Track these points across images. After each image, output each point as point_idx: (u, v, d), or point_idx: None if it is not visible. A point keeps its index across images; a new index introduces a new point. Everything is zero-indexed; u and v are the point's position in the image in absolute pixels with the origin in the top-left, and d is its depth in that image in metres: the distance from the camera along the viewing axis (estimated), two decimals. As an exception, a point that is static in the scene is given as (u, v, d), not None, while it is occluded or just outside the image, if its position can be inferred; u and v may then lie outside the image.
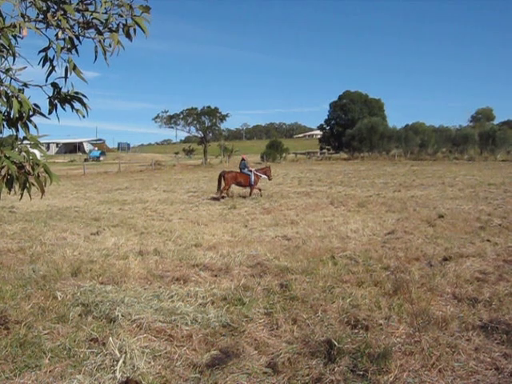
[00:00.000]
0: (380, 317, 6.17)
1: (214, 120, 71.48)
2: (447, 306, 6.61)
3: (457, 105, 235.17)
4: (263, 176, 23.25)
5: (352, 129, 75.80)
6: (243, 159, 23.68)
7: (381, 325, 5.90)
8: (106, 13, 3.70)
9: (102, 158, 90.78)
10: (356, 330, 5.78)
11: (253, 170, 22.92)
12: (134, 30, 3.78)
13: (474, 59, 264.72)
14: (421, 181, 29.39)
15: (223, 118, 71.76)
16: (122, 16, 3.73)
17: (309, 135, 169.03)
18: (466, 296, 6.96)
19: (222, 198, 21.50)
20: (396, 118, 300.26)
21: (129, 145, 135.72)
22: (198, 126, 71.30)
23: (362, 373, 4.69)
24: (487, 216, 14.54)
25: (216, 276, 8.33)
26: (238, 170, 22.94)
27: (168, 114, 70.60)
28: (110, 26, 3.74)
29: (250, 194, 22.26)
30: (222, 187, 21.66)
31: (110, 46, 3.77)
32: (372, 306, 6.56)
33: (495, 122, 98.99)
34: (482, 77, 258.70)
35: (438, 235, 11.59)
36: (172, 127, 72.86)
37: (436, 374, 4.66)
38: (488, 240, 10.89)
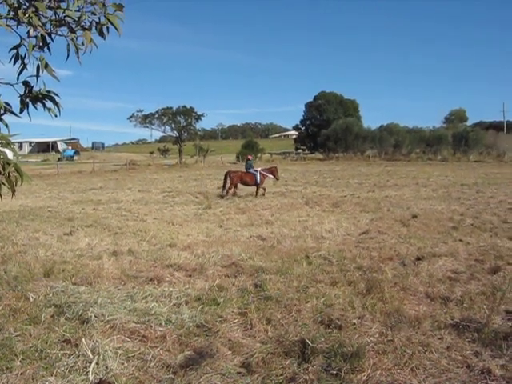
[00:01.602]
0: (353, 316, 6.21)
1: (190, 120, 71.30)
2: (420, 305, 6.69)
3: (430, 106, 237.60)
4: (270, 176, 23.24)
5: (327, 129, 76.19)
6: (248, 159, 23.91)
7: (354, 324, 5.93)
8: (78, 10, 3.65)
9: (75, 158, 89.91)
10: (330, 330, 5.81)
11: (259, 169, 22.91)
12: (107, 28, 3.74)
13: (448, 60, 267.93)
14: (395, 181, 29.68)
15: (198, 117, 71.69)
16: (94, 14, 3.68)
17: (284, 135, 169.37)
18: (438, 295, 7.04)
19: (227, 194, 21.71)
20: (371, 119, 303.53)
21: (103, 144, 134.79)
22: (173, 125, 71.06)
23: (335, 372, 4.71)
24: (460, 216, 14.74)
25: (190, 276, 8.30)
26: (244, 170, 23.09)
27: (143, 113, 70.27)
28: (82, 23, 3.70)
29: (257, 194, 22.10)
30: (227, 186, 21.80)
31: (82, 44, 3.72)
32: (346, 306, 6.60)
33: (468, 123, 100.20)
34: (455, 78, 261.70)
35: (411, 235, 11.71)
36: (147, 127, 72.58)
37: (408, 373, 4.71)
38: (460, 240, 11.03)
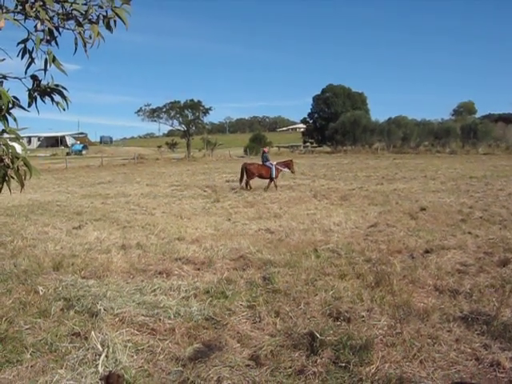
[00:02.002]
0: (362, 309, 6.21)
1: (197, 113, 71.28)
2: (428, 298, 6.68)
3: (439, 98, 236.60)
4: (285, 170, 23.45)
5: (335, 122, 76.04)
6: (264, 152, 24.08)
7: (363, 317, 5.94)
8: (85, 4, 3.64)
9: (84, 152, 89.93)
10: (338, 322, 5.81)
11: (274, 163, 22.99)
12: (115, 21, 3.73)
13: (456, 53, 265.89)
14: (403, 174, 29.56)
15: (206, 111, 71.64)
16: (101, 7, 3.67)
17: (292, 129, 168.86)
18: (447, 288, 7.03)
19: (246, 187, 22.08)
20: (379, 112, 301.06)
21: (111, 138, 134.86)
22: (180, 119, 71.10)
23: (344, 364, 4.72)
24: (468, 209, 14.68)
25: (199, 269, 8.33)
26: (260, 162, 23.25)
27: (151, 107, 70.35)
28: (89, 17, 3.69)
29: (268, 187, 22.25)
30: (245, 179, 22.13)
31: (90, 37, 3.72)
32: (354, 299, 6.60)
33: (477, 115, 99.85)
34: (464, 71, 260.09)
35: (419, 228, 11.68)
36: (155, 121, 72.64)
37: (417, 365, 4.71)
38: (469, 232, 11.00)
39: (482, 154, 57.41)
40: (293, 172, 24.20)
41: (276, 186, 22.33)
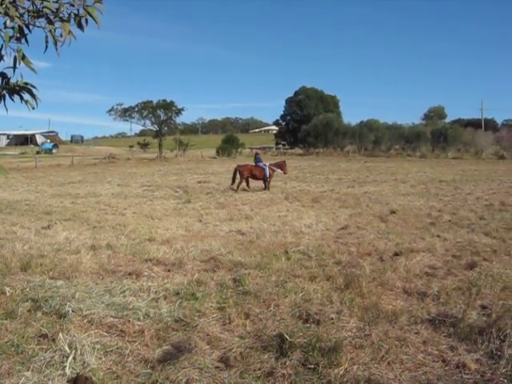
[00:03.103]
0: (331, 311, 6.24)
1: (170, 114, 70.90)
2: (397, 300, 6.75)
3: (410, 103, 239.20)
4: (278, 170, 23.64)
5: (307, 125, 76.51)
6: (257, 154, 24.50)
7: (332, 319, 5.97)
8: (56, 2, 3.61)
9: (54, 151, 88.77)
10: (308, 324, 5.84)
11: (267, 164, 23.23)
12: (86, 20, 3.70)
13: (427, 57, 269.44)
14: (374, 177, 29.84)
15: (179, 111, 71.27)
16: (73, 5, 3.64)
17: (265, 130, 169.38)
18: (415, 290, 7.12)
19: (237, 189, 22.07)
20: (351, 115, 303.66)
21: (82, 137, 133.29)
22: (153, 119, 70.68)
23: (313, 366, 4.74)
24: (438, 212, 14.90)
25: (169, 271, 8.29)
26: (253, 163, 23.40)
27: (123, 106, 69.70)
28: (61, 15, 3.66)
29: (268, 188, 22.53)
30: (238, 181, 22.17)
31: (61, 36, 3.68)
32: (324, 301, 6.64)
33: (447, 120, 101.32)
34: (435, 75, 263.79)
35: (389, 231, 11.81)
36: (127, 120, 71.95)
37: (385, 367, 4.75)
38: (438, 236, 11.16)
39: (452, 159, 58.27)
40: (285, 173, 24.51)
41: (268, 188, 22.63)
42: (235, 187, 22.09)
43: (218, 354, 5.10)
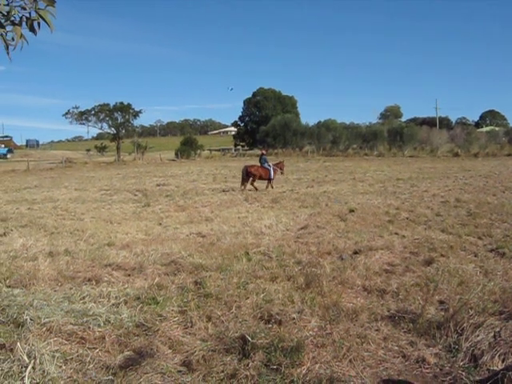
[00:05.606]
0: (293, 311, 6.27)
1: (127, 116, 70.34)
2: (357, 298, 6.84)
3: (367, 102, 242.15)
4: (278, 171, 24.09)
5: (266, 125, 76.84)
6: (263, 154, 24.74)
7: (294, 319, 6.00)
8: (7, 5, 3.54)
9: (9, 156, 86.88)
10: (270, 325, 5.85)
11: (272, 164, 23.65)
12: (39, 23, 3.64)
13: (383, 56, 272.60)
14: (333, 176, 30.17)
15: (136, 114, 70.83)
16: (25, 9, 3.58)
17: (223, 132, 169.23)
18: (375, 288, 7.21)
19: (244, 189, 22.50)
20: (308, 115, 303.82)
21: (38, 142, 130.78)
22: (110, 122, 70.00)
23: (275, 367, 4.75)
24: (395, 210, 15.13)
25: (129, 275, 8.20)
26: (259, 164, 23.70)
27: (79, 109, 68.84)
28: (12, 18, 3.59)
29: (272, 187, 23.00)
30: (250, 181, 22.57)
31: (12, 39, 3.61)
32: (285, 301, 6.66)
33: (403, 119, 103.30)
34: (390, 75, 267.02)
35: (348, 229, 11.94)
36: (83, 124, 71.21)
37: (347, 365, 4.80)
38: (396, 233, 11.34)
39: (408, 157, 59.42)
40: (282, 173, 25.04)
41: (272, 187, 23.10)
42: (245, 187, 22.55)
43: (180, 358, 5.08)
